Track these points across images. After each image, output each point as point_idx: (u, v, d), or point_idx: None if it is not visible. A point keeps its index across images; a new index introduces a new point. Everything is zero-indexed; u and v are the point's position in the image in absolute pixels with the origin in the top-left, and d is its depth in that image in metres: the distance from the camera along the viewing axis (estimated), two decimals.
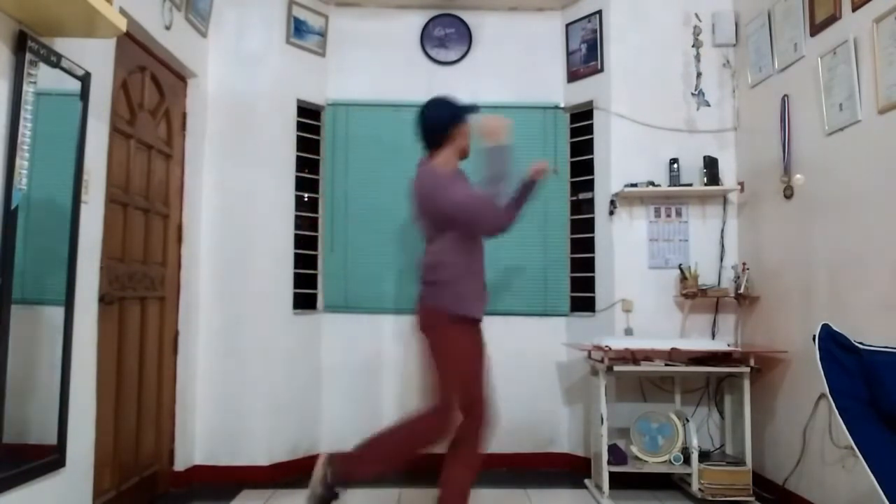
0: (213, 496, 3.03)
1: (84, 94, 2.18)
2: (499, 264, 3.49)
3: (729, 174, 3.43)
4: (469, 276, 2.42)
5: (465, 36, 3.75)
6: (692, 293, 3.26)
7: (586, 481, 3.25)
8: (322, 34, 3.66)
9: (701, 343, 3.19)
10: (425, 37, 3.75)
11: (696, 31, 3.36)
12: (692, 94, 3.38)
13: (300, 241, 3.56)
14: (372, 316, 3.63)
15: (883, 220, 2.35)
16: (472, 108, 2.50)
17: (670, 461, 3.07)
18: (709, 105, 3.39)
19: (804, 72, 2.82)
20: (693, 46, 3.36)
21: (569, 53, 3.73)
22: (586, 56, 3.62)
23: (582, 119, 3.68)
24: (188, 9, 3.04)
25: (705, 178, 3.37)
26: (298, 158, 3.57)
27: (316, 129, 3.70)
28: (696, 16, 3.38)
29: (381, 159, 3.69)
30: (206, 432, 3.24)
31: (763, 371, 3.07)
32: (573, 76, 3.70)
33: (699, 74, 3.38)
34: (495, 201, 2.34)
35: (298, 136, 3.57)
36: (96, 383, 2.35)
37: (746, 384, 3.02)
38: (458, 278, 2.39)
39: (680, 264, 3.36)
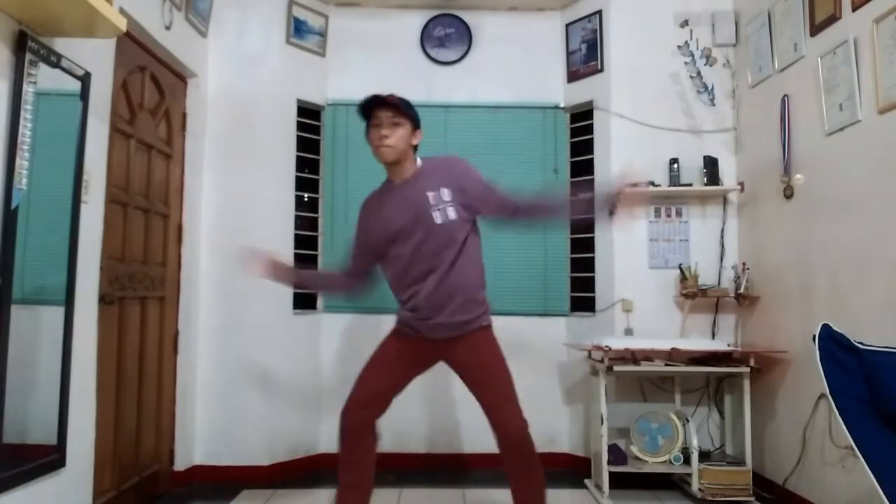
0: (213, 496, 3.02)
1: (84, 94, 2.18)
2: (499, 264, 3.48)
3: (729, 174, 3.43)
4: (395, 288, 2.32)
5: (465, 36, 3.75)
6: (692, 293, 3.25)
7: (586, 481, 3.25)
8: (322, 34, 3.66)
9: (701, 343, 3.20)
10: (425, 37, 3.75)
11: (689, 37, 3.35)
12: (699, 91, 3.39)
13: (300, 241, 3.56)
14: (372, 316, 3.62)
15: (883, 220, 2.35)
16: (364, 105, 2.20)
17: (670, 461, 3.07)
18: (713, 102, 3.41)
19: (804, 72, 2.82)
20: (689, 49, 3.35)
21: (569, 53, 3.73)
22: (586, 56, 3.62)
23: (582, 119, 3.68)
24: (188, 9, 3.04)
25: (705, 178, 3.37)
26: (298, 158, 3.57)
27: (316, 129, 3.70)
28: (686, 22, 3.37)
29: None
30: (206, 432, 3.24)
31: (763, 371, 3.07)
32: (573, 76, 3.70)
33: (699, 73, 3.38)
34: None
35: (298, 136, 3.57)
36: (96, 383, 2.35)
37: (746, 384, 3.01)
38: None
39: (680, 264, 3.36)
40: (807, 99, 2.80)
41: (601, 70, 3.54)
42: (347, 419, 2.29)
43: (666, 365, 3.05)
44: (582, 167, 3.66)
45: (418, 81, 3.70)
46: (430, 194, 2.16)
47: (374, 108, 2.18)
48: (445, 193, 2.16)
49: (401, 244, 2.19)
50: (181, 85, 3.17)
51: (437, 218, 2.15)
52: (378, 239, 2.26)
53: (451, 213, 2.15)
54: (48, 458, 2.04)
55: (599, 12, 3.55)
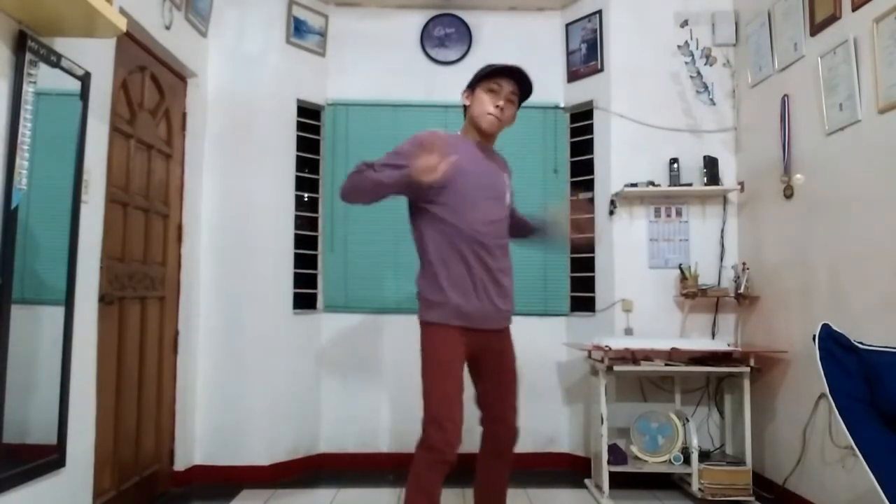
0: (213, 496, 3.02)
1: (84, 94, 2.18)
2: None
3: (729, 174, 3.43)
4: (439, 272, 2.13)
5: (465, 36, 3.75)
6: (692, 293, 3.25)
7: (586, 481, 3.25)
8: (322, 34, 3.66)
9: (701, 343, 3.19)
10: (425, 37, 3.75)
11: (689, 37, 3.34)
12: (699, 91, 3.39)
13: (300, 241, 3.56)
14: (372, 316, 3.62)
15: (883, 220, 2.35)
16: (485, 71, 2.18)
17: (670, 461, 3.07)
18: (713, 102, 3.40)
19: (804, 71, 2.82)
20: (689, 49, 3.35)
21: (569, 53, 3.73)
22: (586, 56, 3.62)
23: (582, 119, 3.68)
24: (188, 9, 3.04)
25: (705, 178, 3.37)
26: (298, 158, 3.57)
27: (316, 129, 3.70)
28: (686, 21, 3.36)
29: None
30: (206, 432, 3.24)
31: (763, 371, 3.07)
32: (573, 76, 3.70)
33: (699, 73, 3.38)
34: (371, 171, 2.10)
35: (298, 136, 3.57)
36: (96, 383, 2.35)
37: (746, 384, 3.01)
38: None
39: (680, 264, 3.36)
40: (807, 99, 2.80)
41: (601, 70, 3.54)
42: (454, 443, 2.07)
43: (666, 365, 3.05)
44: (582, 167, 3.66)
45: (418, 81, 3.70)
46: (505, 175, 2.28)
47: (501, 74, 2.16)
48: (509, 183, 2.28)
49: (480, 202, 2.14)
50: (181, 85, 3.17)
51: (508, 199, 2.26)
52: (454, 180, 2.05)
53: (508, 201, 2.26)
54: (48, 458, 2.04)
55: (599, 12, 3.55)
